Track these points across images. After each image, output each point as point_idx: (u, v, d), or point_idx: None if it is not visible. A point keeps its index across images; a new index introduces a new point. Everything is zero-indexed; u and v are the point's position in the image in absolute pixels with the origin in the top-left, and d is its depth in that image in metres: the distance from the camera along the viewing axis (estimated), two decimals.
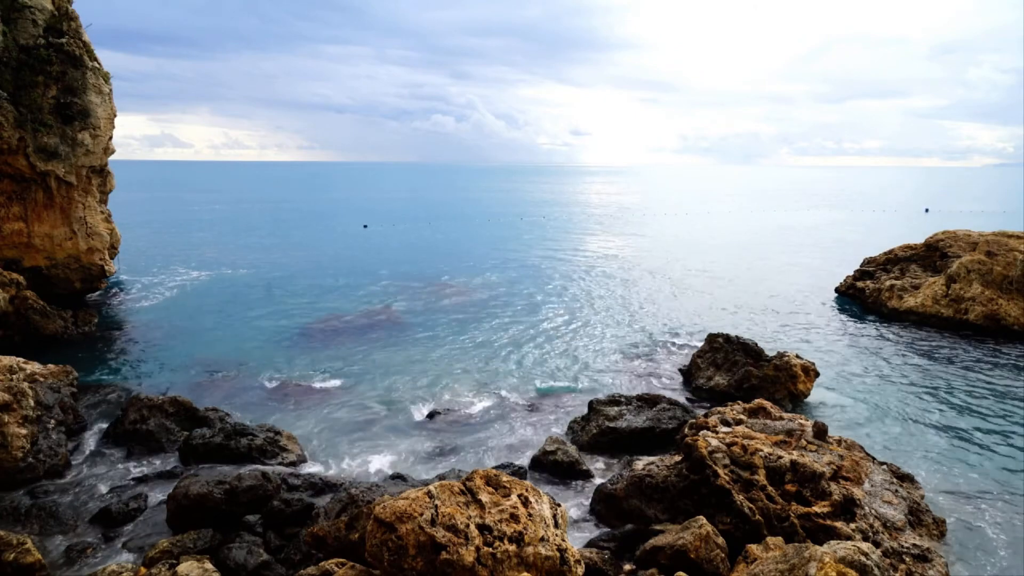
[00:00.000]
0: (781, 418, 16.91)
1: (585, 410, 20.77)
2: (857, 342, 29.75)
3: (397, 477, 16.23)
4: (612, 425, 19.27)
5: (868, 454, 16.30)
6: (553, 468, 17.13)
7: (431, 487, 11.01)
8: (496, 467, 16.15)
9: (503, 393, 22.91)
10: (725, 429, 15.95)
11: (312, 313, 33.91)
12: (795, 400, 21.81)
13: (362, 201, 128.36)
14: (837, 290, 40.41)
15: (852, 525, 12.85)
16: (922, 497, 15.21)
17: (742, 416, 17.02)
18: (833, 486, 13.64)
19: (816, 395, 22.53)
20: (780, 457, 14.23)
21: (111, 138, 33.31)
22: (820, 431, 15.96)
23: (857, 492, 13.68)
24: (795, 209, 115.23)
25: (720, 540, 12.58)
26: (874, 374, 25.30)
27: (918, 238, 40.22)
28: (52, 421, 18.08)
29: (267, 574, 12.47)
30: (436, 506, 10.50)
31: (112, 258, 35.52)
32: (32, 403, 17.76)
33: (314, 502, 14.97)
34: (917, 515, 14.36)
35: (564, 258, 54.73)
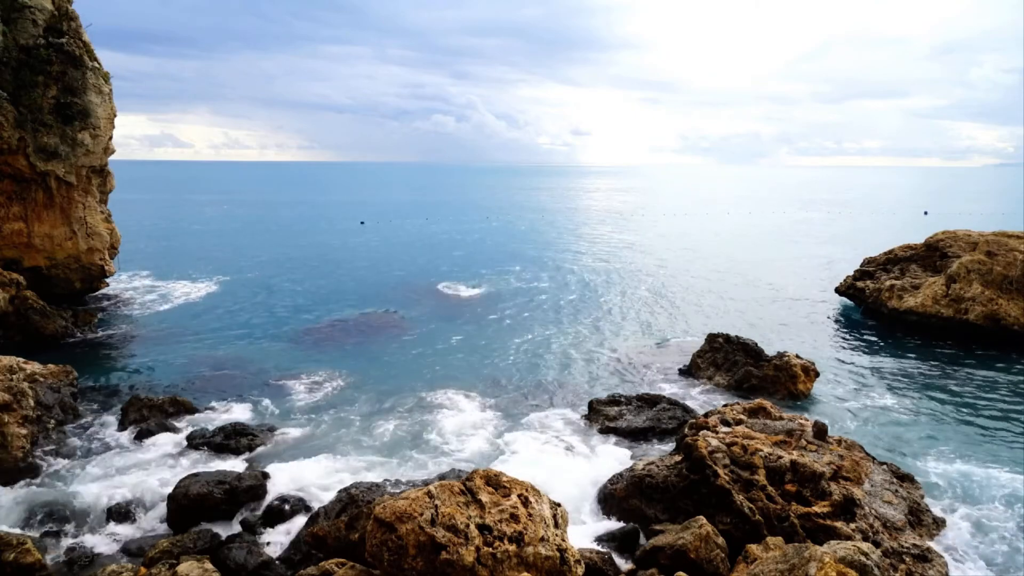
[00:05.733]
0: (781, 418, 16.92)
1: (585, 410, 20.80)
2: (857, 342, 29.76)
3: (397, 477, 16.23)
4: (612, 425, 19.28)
5: (868, 454, 16.31)
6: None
7: (431, 487, 11.02)
8: (495, 466, 16.16)
9: (503, 393, 22.90)
10: (725, 429, 15.95)
11: (313, 313, 33.91)
12: (795, 400, 21.81)
13: (362, 201, 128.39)
14: (837, 290, 40.36)
15: (852, 525, 12.85)
16: (922, 497, 15.21)
17: (742, 416, 17.02)
18: (833, 486, 13.64)
19: (816, 395, 22.53)
20: (780, 457, 14.24)
21: (111, 138, 33.30)
22: (820, 431, 15.96)
23: (857, 492, 13.68)
24: (795, 209, 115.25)
25: (720, 540, 12.58)
26: (874, 374, 25.30)
27: (918, 238, 40.18)
28: (52, 421, 18.10)
29: (267, 574, 12.47)
30: (436, 506, 10.50)
31: (112, 258, 35.50)
32: (32, 403, 17.77)
33: (314, 502, 14.98)
34: (917, 515, 14.37)
35: (563, 258, 54.72)
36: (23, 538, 12.73)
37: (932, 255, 36.35)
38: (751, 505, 13.32)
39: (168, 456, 17.65)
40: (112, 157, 34.94)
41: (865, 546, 10.39)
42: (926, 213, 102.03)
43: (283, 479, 16.20)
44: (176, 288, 39.42)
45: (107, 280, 36.59)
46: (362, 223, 77.84)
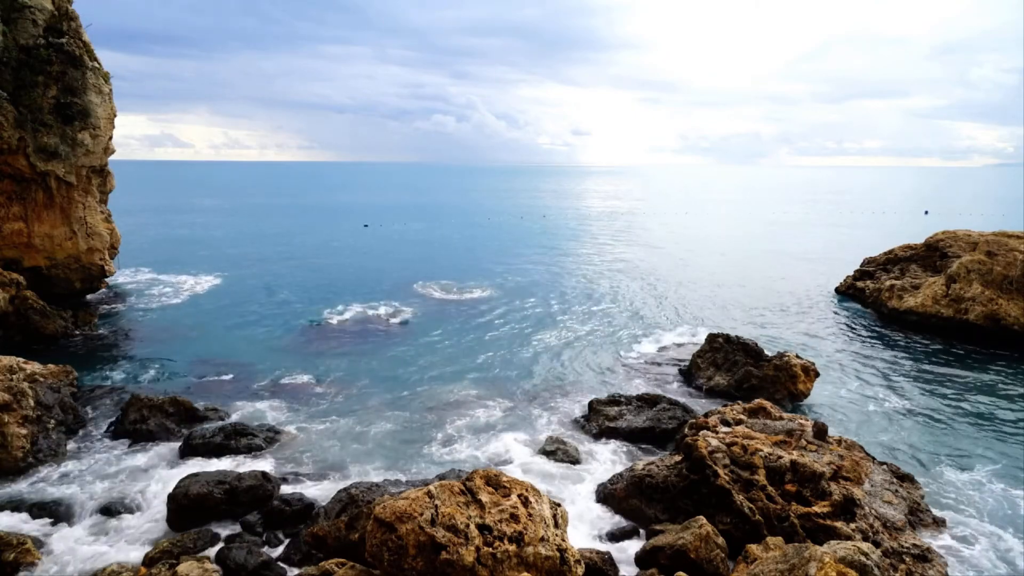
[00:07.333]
0: (781, 418, 16.92)
1: (585, 410, 20.80)
2: (857, 342, 29.75)
3: (397, 477, 16.24)
4: (612, 425, 19.27)
5: (868, 454, 16.32)
6: (553, 468, 17.12)
7: (431, 487, 11.02)
8: (496, 467, 16.16)
9: (503, 393, 22.90)
10: (725, 429, 15.95)
11: (312, 314, 33.89)
12: (795, 400, 21.81)
13: (363, 201, 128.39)
14: (837, 290, 40.42)
15: (852, 525, 12.85)
16: (922, 497, 15.22)
17: (742, 416, 17.02)
18: (833, 486, 13.64)
19: (816, 395, 22.53)
20: (780, 457, 14.24)
21: (111, 138, 33.31)
22: (820, 431, 15.97)
23: (857, 492, 13.68)
24: (795, 209, 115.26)
25: (720, 540, 12.58)
26: (874, 374, 25.30)
27: (918, 238, 40.21)
28: (52, 421, 18.09)
29: (267, 574, 12.47)
30: (436, 506, 10.50)
31: (112, 258, 35.51)
32: (32, 403, 17.77)
33: (314, 502, 14.98)
34: (917, 515, 14.38)
35: (564, 259, 54.73)
36: (23, 538, 12.75)
37: (932, 255, 36.38)
38: (751, 505, 13.33)
39: (168, 456, 17.66)
40: (112, 157, 34.95)
41: (865, 546, 10.40)
42: (927, 213, 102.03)
43: (283, 479, 16.23)
44: (176, 288, 39.40)
45: (107, 280, 36.60)
46: (365, 226, 77.80)
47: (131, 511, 14.79)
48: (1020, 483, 16.71)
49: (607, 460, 17.85)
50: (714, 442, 14.71)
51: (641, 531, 14.07)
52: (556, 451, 17.72)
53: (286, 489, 15.72)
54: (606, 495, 15.36)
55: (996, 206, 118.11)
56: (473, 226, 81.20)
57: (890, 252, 39.29)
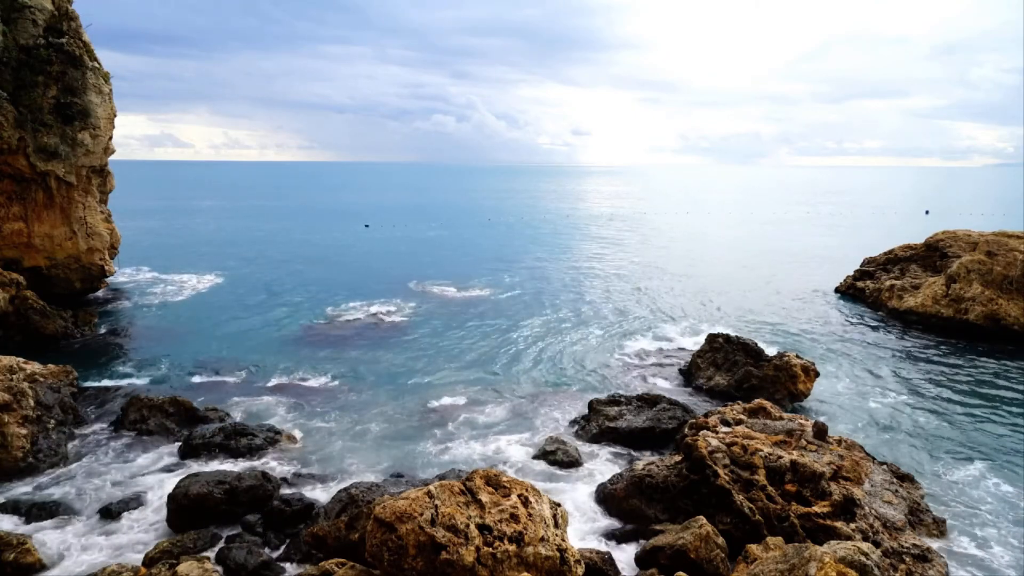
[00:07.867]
0: (781, 418, 16.92)
1: (585, 410, 20.79)
2: (857, 342, 29.74)
3: (397, 477, 16.24)
4: (612, 425, 19.26)
5: (868, 454, 16.32)
6: (553, 468, 17.12)
7: (431, 487, 11.02)
8: (495, 467, 16.16)
9: (503, 393, 22.90)
10: (725, 429, 15.95)
11: (312, 314, 33.91)
12: (795, 400, 21.80)
13: (363, 201, 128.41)
14: (837, 290, 40.42)
15: (852, 525, 12.85)
16: (922, 497, 15.22)
17: (742, 416, 17.02)
18: (833, 486, 13.64)
19: (816, 395, 22.52)
20: (780, 457, 14.24)
21: (111, 138, 33.32)
22: (820, 431, 15.97)
23: (857, 492, 13.68)
24: (795, 209, 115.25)
25: (720, 540, 12.58)
26: (874, 374, 25.30)
27: (918, 238, 40.21)
28: (52, 421, 18.09)
29: (267, 574, 12.48)
30: (436, 506, 10.50)
31: (112, 258, 35.53)
32: (32, 403, 17.77)
33: (314, 502, 14.99)
34: (917, 515, 14.37)
35: (564, 259, 54.74)
36: (23, 538, 12.75)
37: (932, 255, 36.38)
38: (751, 505, 13.33)
39: (168, 456, 17.66)
40: (112, 157, 34.97)
41: (865, 546, 10.40)
42: (927, 212, 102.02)
43: (283, 479, 16.23)
44: (177, 288, 39.41)
45: (107, 280, 36.61)
46: (367, 226, 77.84)
47: (131, 511, 14.77)
48: (1020, 483, 16.71)
49: (607, 460, 17.85)
50: (714, 442, 14.72)
51: (641, 531, 14.06)
52: (556, 451, 17.71)
53: (286, 489, 15.72)
54: (606, 495, 15.36)
55: (996, 206, 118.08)
56: (473, 226, 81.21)
57: (890, 252, 39.30)
